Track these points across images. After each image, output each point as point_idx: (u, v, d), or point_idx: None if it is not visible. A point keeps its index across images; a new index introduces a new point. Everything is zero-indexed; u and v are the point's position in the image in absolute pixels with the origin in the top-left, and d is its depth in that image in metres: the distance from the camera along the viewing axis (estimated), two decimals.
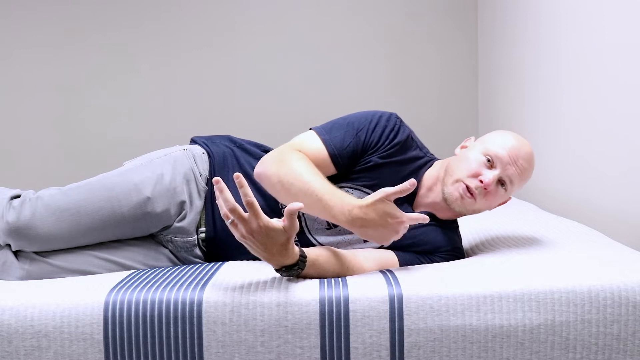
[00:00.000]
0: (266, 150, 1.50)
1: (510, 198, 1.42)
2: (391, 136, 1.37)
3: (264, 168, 1.28)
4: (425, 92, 3.42)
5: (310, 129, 1.39)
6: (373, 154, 1.36)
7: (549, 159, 2.19)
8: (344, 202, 1.17)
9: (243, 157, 1.46)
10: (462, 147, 1.44)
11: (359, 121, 1.37)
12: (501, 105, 2.89)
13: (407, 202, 1.40)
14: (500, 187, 1.33)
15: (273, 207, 1.38)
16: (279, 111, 3.44)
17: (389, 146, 1.36)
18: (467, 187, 1.31)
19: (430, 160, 1.44)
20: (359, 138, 1.35)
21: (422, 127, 3.42)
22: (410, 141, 1.40)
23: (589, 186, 1.82)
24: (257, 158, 1.46)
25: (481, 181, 1.30)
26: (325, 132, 1.36)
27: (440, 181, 1.37)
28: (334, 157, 1.34)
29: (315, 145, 1.34)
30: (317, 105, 3.43)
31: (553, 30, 2.13)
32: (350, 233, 1.39)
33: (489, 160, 1.32)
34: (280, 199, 1.28)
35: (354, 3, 3.39)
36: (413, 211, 1.40)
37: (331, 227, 1.38)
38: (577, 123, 1.91)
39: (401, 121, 1.40)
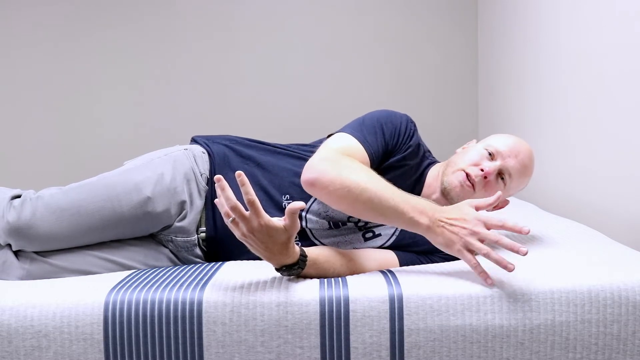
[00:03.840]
0: (269, 145, 1.49)
1: (507, 202, 1.42)
2: (407, 141, 1.39)
3: (318, 174, 1.19)
4: (425, 92, 3.42)
5: (337, 131, 1.36)
6: (391, 157, 1.37)
7: (549, 159, 2.19)
8: (428, 203, 1.15)
9: (246, 154, 1.45)
10: (464, 148, 1.45)
11: (385, 124, 1.37)
12: (501, 105, 2.89)
13: None
14: (500, 181, 1.35)
15: (275, 206, 1.38)
16: (279, 111, 3.44)
17: (404, 150, 1.38)
18: (467, 176, 1.32)
19: (432, 163, 1.46)
20: (387, 143, 1.36)
21: (422, 127, 3.42)
22: (419, 146, 1.42)
23: (589, 186, 1.82)
24: (261, 153, 1.45)
25: (482, 169, 1.31)
26: (361, 136, 1.33)
27: (440, 174, 1.39)
28: (372, 162, 1.33)
29: (360, 152, 1.30)
30: (317, 105, 3.43)
31: (553, 30, 2.13)
32: (351, 233, 1.39)
33: (490, 154, 1.35)
34: (341, 205, 1.18)
35: (354, 3, 3.39)
36: None
37: (332, 228, 1.38)
38: (577, 123, 1.91)
39: (415, 125, 1.43)
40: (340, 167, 1.19)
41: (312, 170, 1.20)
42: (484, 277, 1.08)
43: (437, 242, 1.13)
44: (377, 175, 1.19)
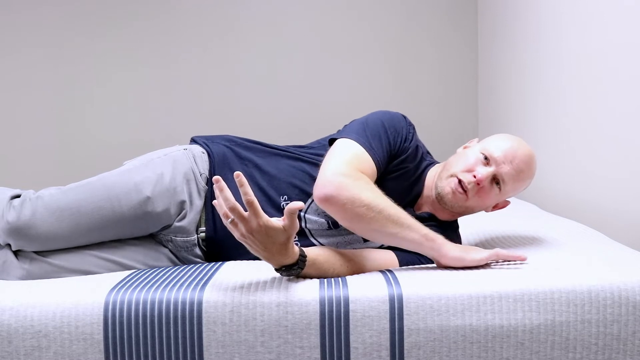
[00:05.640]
0: (267, 146, 1.48)
1: (508, 203, 1.41)
2: (407, 144, 1.38)
3: (335, 190, 1.18)
4: (425, 93, 3.42)
5: (340, 135, 1.35)
6: (392, 160, 1.37)
7: (549, 159, 2.19)
8: (445, 241, 1.21)
9: (244, 155, 1.45)
10: (465, 148, 1.45)
11: (388, 128, 1.36)
12: (501, 105, 2.89)
13: (409, 205, 1.41)
14: (495, 186, 1.34)
15: (274, 206, 1.38)
16: (279, 111, 3.44)
17: (404, 153, 1.38)
18: (460, 182, 1.31)
19: (430, 164, 1.45)
20: (391, 147, 1.35)
21: (422, 127, 3.42)
22: (418, 148, 1.41)
23: (589, 186, 1.82)
24: (259, 155, 1.45)
25: (474, 176, 1.30)
26: (367, 143, 1.31)
27: (436, 178, 1.38)
28: (379, 169, 1.32)
29: (368, 162, 1.29)
30: (317, 106, 3.43)
31: (553, 30, 2.13)
32: (351, 233, 1.39)
33: (485, 158, 1.33)
34: (355, 221, 1.20)
35: (354, 4, 3.39)
36: (415, 213, 1.40)
37: (331, 228, 1.38)
38: (577, 123, 1.91)
39: (414, 128, 1.42)
40: (358, 184, 1.20)
41: (328, 185, 1.19)
42: (514, 258, 1.20)
43: (454, 251, 1.19)
44: (390, 200, 1.23)
